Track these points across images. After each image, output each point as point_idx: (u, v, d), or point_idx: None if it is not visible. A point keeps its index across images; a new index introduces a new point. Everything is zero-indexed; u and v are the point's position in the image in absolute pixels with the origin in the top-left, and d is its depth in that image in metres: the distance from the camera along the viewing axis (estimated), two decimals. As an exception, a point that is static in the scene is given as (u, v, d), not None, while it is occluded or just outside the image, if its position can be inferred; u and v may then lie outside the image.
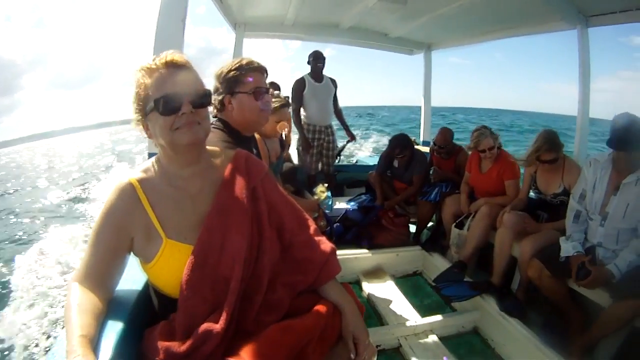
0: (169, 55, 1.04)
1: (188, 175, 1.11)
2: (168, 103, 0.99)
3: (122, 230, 1.04)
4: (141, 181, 1.07)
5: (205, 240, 1.04)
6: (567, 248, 2.16)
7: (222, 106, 1.61)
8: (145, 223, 1.04)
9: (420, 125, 5.73)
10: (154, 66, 1.03)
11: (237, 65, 1.58)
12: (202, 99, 1.05)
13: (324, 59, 4.15)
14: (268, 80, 1.73)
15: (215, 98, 1.61)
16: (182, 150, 1.05)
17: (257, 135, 2.31)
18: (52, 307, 3.95)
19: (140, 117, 1.05)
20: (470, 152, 3.24)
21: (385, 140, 12.75)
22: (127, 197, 1.04)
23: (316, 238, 1.27)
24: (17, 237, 6.81)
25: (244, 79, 1.58)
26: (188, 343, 0.94)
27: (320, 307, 1.12)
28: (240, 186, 1.14)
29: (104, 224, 1.03)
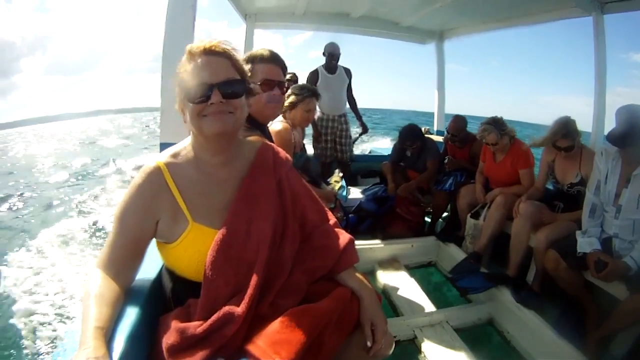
0: (209, 42, 1.05)
1: (217, 163, 1.12)
2: (198, 91, 1.01)
3: (148, 214, 1.04)
4: (169, 165, 1.08)
5: (231, 224, 1.05)
6: (584, 245, 2.13)
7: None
8: (172, 206, 1.05)
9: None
10: (195, 52, 1.05)
11: (251, 54, 1.60)
12: (234, 89, 1.05)
13: (338, 55, 4.18)
14: None
15: None
16: (210, 139, 1.07)
17: (284, 124, 2.34)
18: (66, 294, 4.01)
19: (180, 101, 1.08)
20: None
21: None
22: (154, 181, 1.05)
23: (335, 230, 1.29)
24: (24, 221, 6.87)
25: (254, 68, 1.58)
26: (207, 324, 0.94)
27: (338, 292, 1.12)
28: (267, 177, 1.17)
29: (130, 208, 1.04)
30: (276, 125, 2.32)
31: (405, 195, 3.57)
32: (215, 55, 1.05)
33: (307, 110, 2.51)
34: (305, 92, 2.48)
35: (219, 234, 1.03)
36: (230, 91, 1.04)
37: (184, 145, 1.15)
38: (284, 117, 2.47)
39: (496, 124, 2.94)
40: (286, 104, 2.43)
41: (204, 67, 1.03)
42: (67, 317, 3.58)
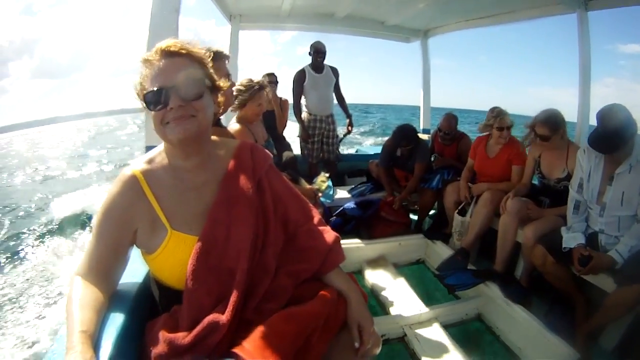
0: (164, 43, 1.01)
1: (192, 167, 1.09)
2: (155, 98, 0.97)
3: (126, 224, 1.02)
4: (145, 172, 1.05)
5: (210, 231, 1.03)
6: (569, 240, 2.13)
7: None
8: (150, 215, 1.03)
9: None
10: (151, 57, 1.00)
11: (218, 53, 1.63)
12: (194, 90, 1.00)
13: (324, 52, 4.15)
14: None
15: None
16: (176, 145, 1.03)
17: (241, 127, 2.43)
18: (53, 301, 3.98)
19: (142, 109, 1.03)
20: (475, 138, 3.24)
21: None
22: (131, 190, 1.03)
23: (320, 228, 1.27)
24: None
25: (222, 66, 1.68)
26: (193, 334, 0.93)
27: (324, 295, 1.10)
28: (245, 178, 1.13)
29: (107, 217, 1.02)
30: (234, 126, 2.39)
31: (398, 207, 3.52)
32: (171, 56, 1.01)
33: (259, 105, 2.53)
34: (252, 89, 2.48)
35: (197, 243, 1.01)
36: (189, 93, 0.99)
37: (159, 150, 1.12)
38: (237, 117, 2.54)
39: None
40: (236, 103, 2.46)
41: (160, 71, 0.99)
42: (55, 323, 3.54)
